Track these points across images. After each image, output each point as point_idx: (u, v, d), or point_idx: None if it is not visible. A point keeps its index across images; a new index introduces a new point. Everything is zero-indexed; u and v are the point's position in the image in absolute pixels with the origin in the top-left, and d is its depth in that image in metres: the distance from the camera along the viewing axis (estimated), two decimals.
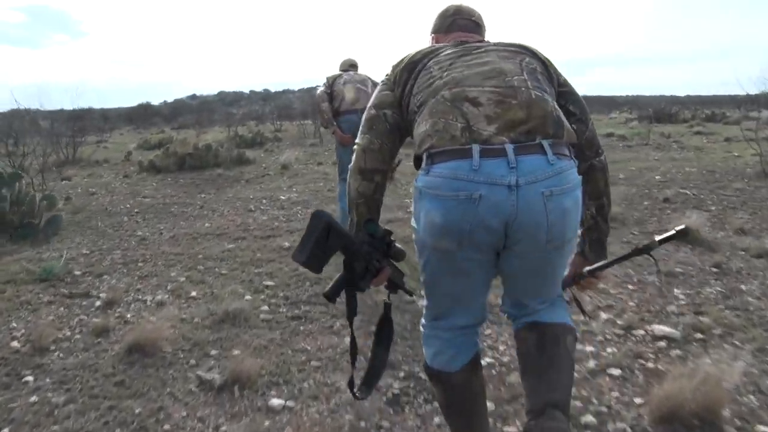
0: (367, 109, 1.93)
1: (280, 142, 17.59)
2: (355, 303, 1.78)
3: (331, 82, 5.87)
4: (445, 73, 1.77)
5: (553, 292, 1.88)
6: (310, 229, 1.62)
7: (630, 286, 4.15)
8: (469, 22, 2.10)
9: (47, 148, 9.36)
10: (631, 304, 3.83)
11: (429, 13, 2.29)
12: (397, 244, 1.81)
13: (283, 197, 8.33)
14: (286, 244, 5.54)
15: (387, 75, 1.95)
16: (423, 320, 1.96)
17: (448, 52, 1.86)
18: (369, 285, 1.77)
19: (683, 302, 3.82)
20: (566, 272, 1.96)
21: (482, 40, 2.02)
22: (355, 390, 1.87)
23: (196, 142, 13.66)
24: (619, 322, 3.54)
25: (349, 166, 1.89)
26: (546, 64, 1.86)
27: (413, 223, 1.76)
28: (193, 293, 4.25)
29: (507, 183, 1.53)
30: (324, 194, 8.40)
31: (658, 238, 1.94)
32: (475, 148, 1.56)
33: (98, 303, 4.13)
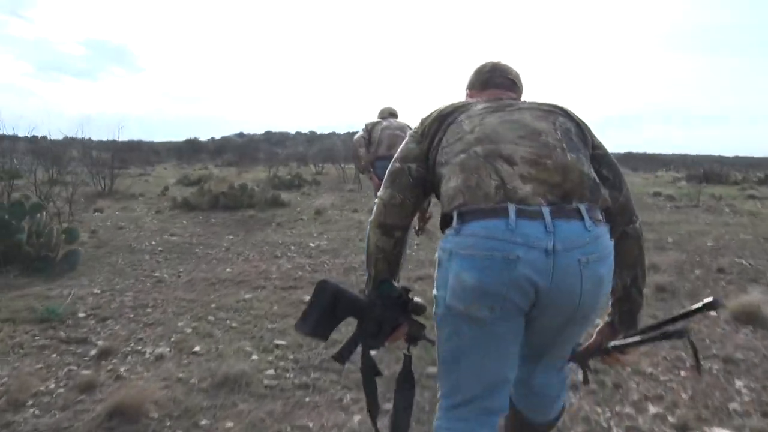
0: (392, 161, 1.86)
1: (318, 186, 17.35)
2: (375, 390, 1.74)
3: (370, 129, 5.83)
4: (477, 128, 1.71)
5: (564, 357, 1.83)
6: (314, 300, 1.59)
7: (682, 372, 3.65)
8: (506, 80, 2.04)
9: (80, 179, 9.14)
10: (684, 396, 3.32)
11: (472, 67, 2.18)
12: (417, 299, 1.78)
13: (312, 244, 7.99)
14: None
15: (415, 128, 1.89)
16: (438, 412, 1.76)
17: (481, 107, 1.81)
18: (383, 344, 1.75)
19: (747, 398, 3.31)
20: (589, 344, 1.91)
21: (517, 99, 1.98)
22: None
23: (232, 181, 13.50)
24: (670, 419, 3.05)
25: (369, 220, 1.85)
26: (580, 126, 1.80)
27: (435, 291, 1.65)
28: (197, 348, 3.89)
29: (544, 247, 1.47)
30: (355, 244, 8.03)
31: (683, 310, 1.84)
32: (511, 208, 1.50)
33: (93, 352, 3.80)
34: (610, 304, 1.85)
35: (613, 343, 1.89)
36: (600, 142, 1.83)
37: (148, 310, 4.79)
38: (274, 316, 4.62)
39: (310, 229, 9.42)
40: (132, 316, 4.62)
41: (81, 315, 4.57)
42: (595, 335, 1.93)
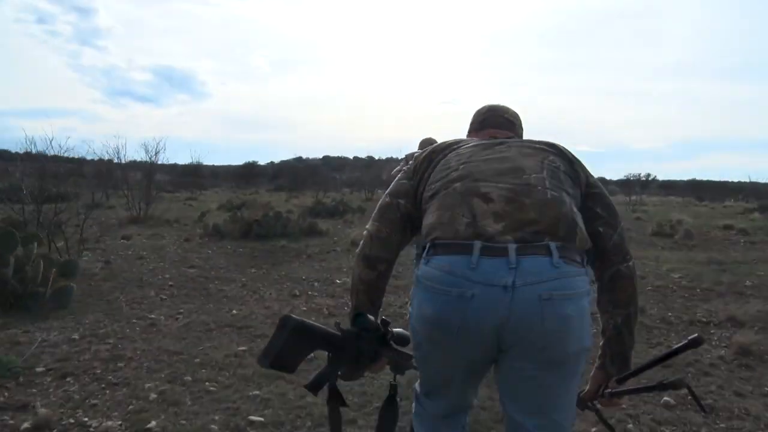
0: (383, 195, 1.90)
1: (362, 213, 16.60)
2: (340, 419, 1.67)
3: (410, 160, 4.97)
4: (462, 166, 1.74)
5: (552, 419, 1.62)
6: (276, 335, 1.55)
7: None
8: (502, 119, 2.06)
9: (89, 210, 8.52)
10: None
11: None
12: (399, 330, 1.76)
13: (338, 281, 7.20)
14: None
15: (409, 164, 1.93)
16: (416, 387, 1.87)
17: (470, 145, 1.85)
18: (362, 375, 1.76)
19: None
20: (585, 391, 1.83)
21: (512, 137, 1.97)
22: None
23: (275, 207, 12.88)
24: None
25: (356, 251, 1.86)
26: (573, 164, 1.78)
27: (409, 306, 1.70)
28: (152, 423, 3.10)
29: (503, 284, 1.47)
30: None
31: (667, 350, 1.79)
32: (476, 245, 1.52)
33: (27, 424, 3.05)
34: (600, 345, 1.78)
35: (609, 391, 1.80)
36: (595, 181, 1.81)
37: (120, 364, 4.03)
38: (263, 378, 3.79)
39: (341, 262, 8.64)
40: (99, 372, 3.87)
41: (39, 369, 3.85)
42: (589, 383, 1.83)
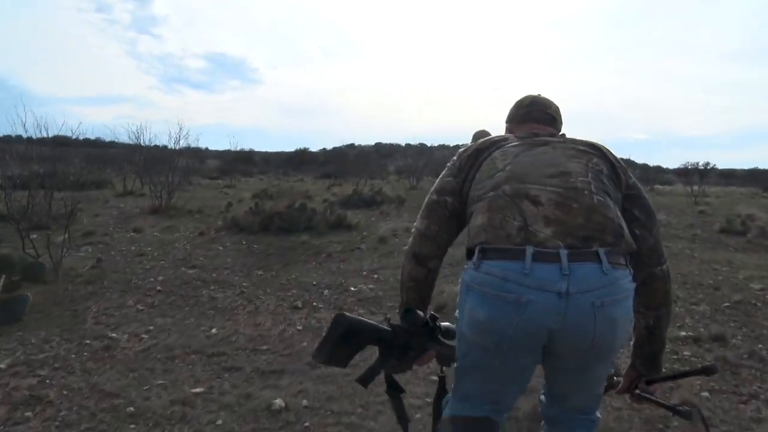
0: (429, 193, 1.92)
1: (401, 204, 15.49)
2: (402, 405, 1.81)
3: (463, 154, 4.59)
4: (509, 166, 1.74)
5: (592, 393, 1.78)
6: (330, 333, 1.63)
7: None
8: (544, 114, 2.03)
9: (75, 201, 7.57)
10: None
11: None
12: (446, 323, 1.81)
13: (354, 288, 6.15)
14: (282, 404, 3.28)
15: (453, 161, 1.92)
16: (450, 396, 1.84)
17: (515, 143, 1.84)
18: (410, 368, 1.80)
19: None
20: (619, 387, 1.90)
21: (554, 134, 1.96)
22: None
23: (298, 198, 11.88)
24: None
25: (404, 248, 1.90)
26: (615, 167, 1.79)
27: (457, 313, 1.72)
28: None
29: (557, 290, 1.50)
30: None
31: (683, 370, 1.97)
32: (529, 250, 1.54)
33: None
34: (631, 344, 1.85)
35: (637, 391, 1.88)
36: (635, 183, 1.83)
37: (29, 413, 3.08)
38: None
39: (363, 263, 7.57)
40: None
41: None
42: (623, 380, 1.90)
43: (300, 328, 4.73)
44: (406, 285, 1.84)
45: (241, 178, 35.38)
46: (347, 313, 1.66)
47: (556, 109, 2.08)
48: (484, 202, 1.69)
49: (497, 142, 1.86)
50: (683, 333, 4.64)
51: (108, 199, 15.82)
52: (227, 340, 4.37)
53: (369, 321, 1.70)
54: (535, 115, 2.03)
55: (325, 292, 6.00)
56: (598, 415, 1.86)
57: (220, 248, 8.45)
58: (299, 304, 5.46)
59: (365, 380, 1.71)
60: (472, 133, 5.38)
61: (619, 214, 1.68)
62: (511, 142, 1.85)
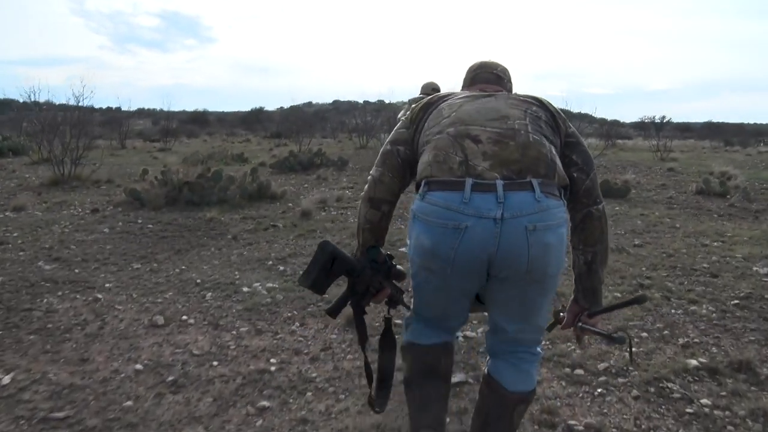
0: (384, 143, 2.11)
1: (343, 167, 13.95)
2: (364, 326, 2.01)
3: (413, 104, 4.41)
4: (453, 113, 1.94)
5: (532, 324, 1.94)
6: (315, 259, 1.83)
7: None
8: (491, 75, 2.25)
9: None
10: None
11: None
12: (398, 266, 2.01)
13: (248, 288, 4.66)
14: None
15: (407, 114, 2.12)
16: (406, 315, 2.17)
17: (462, 96, 2.04)
18: (369, 303, 1.99)
19: None
20: (564, 322, 2.11)
21: (499, 90, 2.15)
22: (374, 405, 2.07)
23: (206, 168, 10.27)
24: None
25: (361, 194, 2.07)
26: (554, 115, 1.97)
27: (407, 239, 1.96)
28: None
29: (493, 216, 1.68)
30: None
31: (617, 302, 2.19)
32: (468, 182, 1.72)
33: None
34: (573, 280, 2.04)
35: (580, 324, 2.04)
36: (574, 132, 2.01)
37: None
38: None
39: (273, 247, 6.08)
40: None
41: None
42: (567, 314, 2.09)
43: (140, 367, 3.23)
44: (362, 227, 2.04)
45: (185, 139, 33.40)
46: (330, 242, 1.88)
47: (503, 70, 2.30)
48: (431, 143, 1.90)
49: (445, 96, 2.08)
50: (693, 361, 3.25)
51: (16, 168, 13.99)
52: (13, 399, 2.87)
53: (345, 253, 1.89)
54: (483, 76, 2.26)
55: (208, 295, 4.50)
56: (539, 350, 2.04)
57: (106, 230, 6.85)
58: (161, 319, 3.95)
59: (334, 311, 1.96)
60: (422, 84, 5.90)
61: (554, 152, 1.86)
62: (458, 96, 2.06)
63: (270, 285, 4.69)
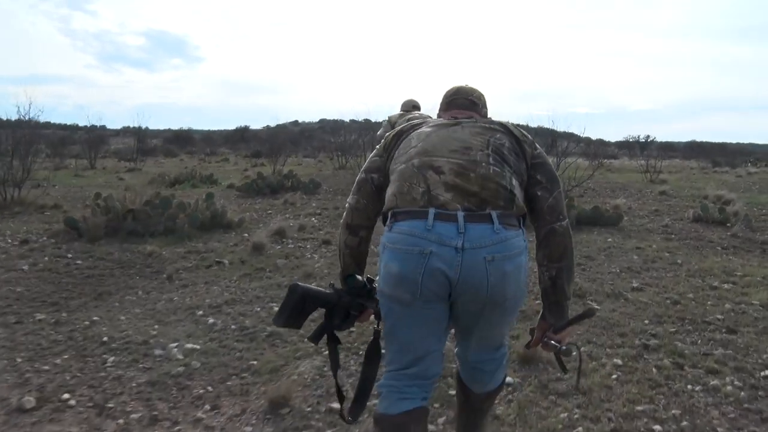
0: (360, 171, 2.19)
1: (315, 189, 13.05)
2: (337, 355, 2.03)
3: (393, 123, 5.55)
4: (420, 144, 2.02)
5: (495, 342, 2.10)
6: (286, 301, 1.88)
7: None
8: (466, 101, 2.31)
9: None
10: None
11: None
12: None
13: (161, 350, 3.76)
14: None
15: (381, 143, 2.20)
16: (384, 375, 2.05)
17: (431, 125, 2.13)
18: (353, 325, 2.04)
19: None
20: (533, 338, 2.12)
21: (472, 116, 2.21)
22: (346, 415, 2.06)
23: (155, 193, 9.38)
24: None
25: (341, 221, 2.17)
26: (519, 140, 2.05)
27: (377, 276, 1.96)
28: None
29: (454, 245, 1.77)
30: (261, 333, 3.84)
31: (571, 318, 2.11)
32: (431, 211, 1.81)
33: None
34: (540, 297, 2.09)
35: (546, 340, 2.06)
36: (540, 153, 2.08)
37: None
38: None
39: (212, 290, 5.18)
40: None
41: None
42: (536, 331, 2.10)
43: None
44: (342, 251, 2.14)
45: (161, 159, 32.45)
46: (300, 283, 1.91)
47: (479, 95, 2.35)
48: (397, 173, 1.99)
49: (416, 125, 2.16)
50: None
51: None
52: None
53: (317, 288, 1.94)
54: (458, 102, 2.31)
55: (110, 360, 3.61)
56: (504, 352, 2.17)
57: (25, 267, 5.93)
58: (32, 401, 3.04)
59: (315, 338, 1.98)
60: (402, 101, 5.97)
61: (514, 182, 1.94)
62: (428, 125, 2.14)
63: (189, 346, 3.79)
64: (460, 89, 2.36)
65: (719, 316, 4.40)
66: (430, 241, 1.78)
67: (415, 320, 1.91)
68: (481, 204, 1.83)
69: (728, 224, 8.78)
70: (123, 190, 13.09)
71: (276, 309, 4.55)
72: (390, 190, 1.97)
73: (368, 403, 2.15)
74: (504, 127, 2.08)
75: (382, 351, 2.08)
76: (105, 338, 3.95)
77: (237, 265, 6.04)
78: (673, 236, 8.02)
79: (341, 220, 2.16)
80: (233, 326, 4.19)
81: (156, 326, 4.21)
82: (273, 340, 3.92)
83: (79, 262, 6.19)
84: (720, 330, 4.13)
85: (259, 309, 4.58)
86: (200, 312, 4.52)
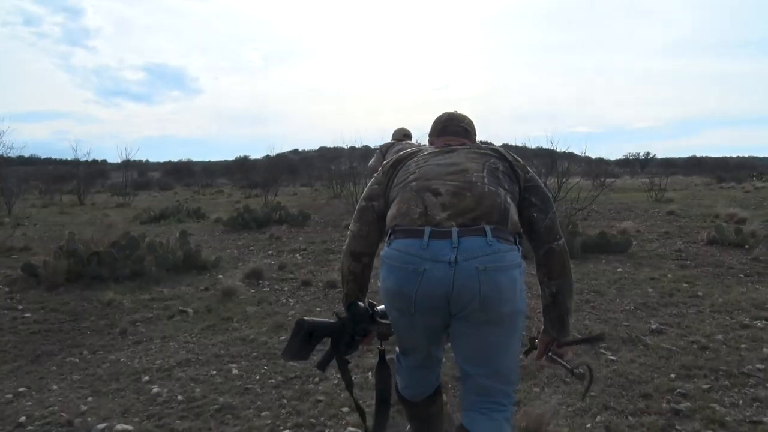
0: (360, 200, 2.28)
1: (305, 223, 12.39)
2: (349, 374, 2.17)
3: (385, 151, 5.70)
4: (419, 169, 2.12)
5: (493, 368, 1.99)
6: (293, 336, 2.02)
7: None
8: (458, 128, 2.41)
9: None
10: None
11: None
12: (380, 307, 2.15)
13: None
14: None
15: (379, 171, 2.29)
16: (396, 349, 2.28)
17: (427, 152, 2.22)
18: (357, 348, 2.15)
19: None
20: (536, 352, 2.21)
21: (464, 143, 2.33)
22: (372, 431, 2.20)
23: (125, 232, 8.74)
24: None
25: (343, 248, 2.24)
26: (513, 165, 2.14)
27: (379, 283, 2.05)
28: None
29: (447, 260, 1.84)
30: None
31: (580, 337, 2.41)
32: (427, 230, 1.90)
33: None
34: (542, 313, 2.16)
35: (551, 354, 2.15)
36: (533, 176, 2.17)
37: None
38: None
39: (168, 347, 4.50)
40: None
41: None
42: (539, 345, 2.18)
43: None
44: (346, 278, 2.19)
45: (155, 192, 31.91)
46: (306, 318, 2.06)
47: (469, 123, 2.46)
48: (398, 197, 2.08)
49: (413, 154, 2.25)
50: None
51: None
52: None
53: (322, 320, 2.08)
54: (450, 129, 2.40)
55: None
56: (511, 406, 2.06)
57: None
58: None
59: (323, 365, 2.10)
60: (394, 130, 5.97)
61: (509, 201, 2.01)
62: (423, 152, 2.23)
63: (120, 427, 3.11)
64: (452, 116, 2.45)
65: (759, 366, 3.71)
66: (424, 259, 1.86)
67: (414, 328, 2.02)
68: (475, 220, 1.90)
69: (746, 246, 8.10)
70: (103, 228, 12.48)
71: (235, 371, 3.99)
72: (391, 212, 2.06)
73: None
74: (497, 152, 2.18)
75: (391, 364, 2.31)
76: (23, 417, 3.27)
77: (202, 314, 5.35)
78: (688, 262, 7.33)
79: (344, 247, 2.23)
80: (179, 397, 3.50)
81: (90, 398, 3.53)
82: (223, 416, 3.23)
83: (27, 315, 5.51)
84: (763, 384, 3.44)
85: (215, 372, 3.89)
86: (146, 378, 3.84)
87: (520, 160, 2.19)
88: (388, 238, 2.01)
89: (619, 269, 6.90)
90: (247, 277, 6.58)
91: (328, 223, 12.46)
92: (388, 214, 2.08)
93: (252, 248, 9.29)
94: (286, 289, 6.26)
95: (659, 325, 4.59)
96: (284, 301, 5.72)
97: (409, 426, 2.56)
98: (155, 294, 6.14)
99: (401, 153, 2.29)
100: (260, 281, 6.55)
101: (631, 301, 5.40)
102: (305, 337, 1.99)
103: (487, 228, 1.87)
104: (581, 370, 2.12)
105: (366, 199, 2.24)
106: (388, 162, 2.28)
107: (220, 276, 7.03)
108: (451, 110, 2.49)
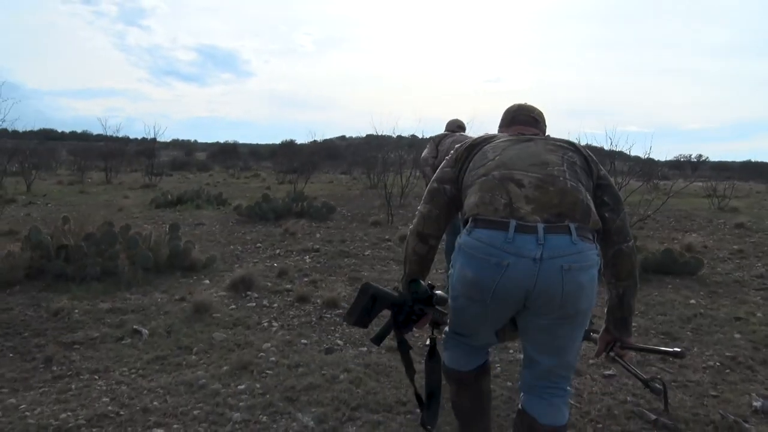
0: (431, 181, 2.25)
1: (329, 216, 11.23)
2: (411, 360, 2.10)
3: (438, 142, 5.52)
4: (498, 157, 2.07)
5: (563, 359, 2.00)
6: (357, 301, 1.97)
7: None
8: (528, 118, 2.39)
9: None
10: None
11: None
12: (440, 292, 2.08)
13: None
14: None
15: (451, 154, 2.25)
16: (446, 328, 2.25)
17: (504, 139, 2.18)
18: (412, 330, 2.09)
19: None
20: (596, 349, 2.26)
21: (537, 133, 2.30)
22: (426, 422, 2.08)
23: (105, 219, 7.70)
24: None
25: (410, 227, 2.24)
26: (587, 160, 2.11)
27: (450, 269, 2.06)
28: None
29: (533, 256, 1.80)
30: None
31: (655, 347, 2.32)
32: (512, 223, 1.85)
33: None
34: (605, 311, 2.19)
35: (612, 354, 2.21)
36: (605, 174, 2.15)
37: None
38: None
39: (94, 387, 3.36)
40: None
41: None
42: (598, 342, 2.24)
43: None
44: (410, 258, 2.20)
45: (193, 174, 31.19)
46: (372, 283, 2.00)
47: (539, 113, 2.44)
48: (477, 184, 2.02)
49: (488, 139, 2.20)
50: None
51: None
52: None
53: (386, 289, 2.02)
54: (520, 119, 2.39)
55: None
56: (569, 388, 2.08)
57: None
58: None
59: (379, 339, 2.08)
60: (448, 121, 5.98)
61: (589, 197, 1.98)
62: (500, 138, 2.19)
63: None
64: (522, 106, 2.45)
65: None
66: (508, 254, 1.82)
67: (484, 317, 2.02)
68: (559, 216, 1.87)
69: None
70: (113, 212, 11.55)
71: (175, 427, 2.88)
72: (472, 200, 2.00)
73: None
74: (573, 146, 2.16)
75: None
76: None
77: (158, 338, 4.19)
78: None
79: (411, 227, 2.23)
80: None
81: None
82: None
83: None
84: None
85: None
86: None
87: (593, 155, 2.15)
88: (468, 226, 1.97)
89: (692, 300, 5.52)
90: (233, 286, 5.43)
91: (354, 218, 11.27)
92: (467, 201, 2.04)
93: (259, 245, 8.15)
94: (275, 305, 5.06)
95: (764, 400, 3.28)
96: (266, 324, 4.52)
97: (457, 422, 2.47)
98: (118, 302, 5.03)
99: (477, 137, 2.27)
100: (248, 292, 5.37)
101: (716, 355, 4.03)
102: (368, 303, 1.96)
103: (572, 226, 1.86)
104: (658, 385, 2.18)
105: (438, 181, 2.23)
106: (462, 146, 2.26)
107: (206, 281, 5.90)
108: (521, 101, 2.48)
